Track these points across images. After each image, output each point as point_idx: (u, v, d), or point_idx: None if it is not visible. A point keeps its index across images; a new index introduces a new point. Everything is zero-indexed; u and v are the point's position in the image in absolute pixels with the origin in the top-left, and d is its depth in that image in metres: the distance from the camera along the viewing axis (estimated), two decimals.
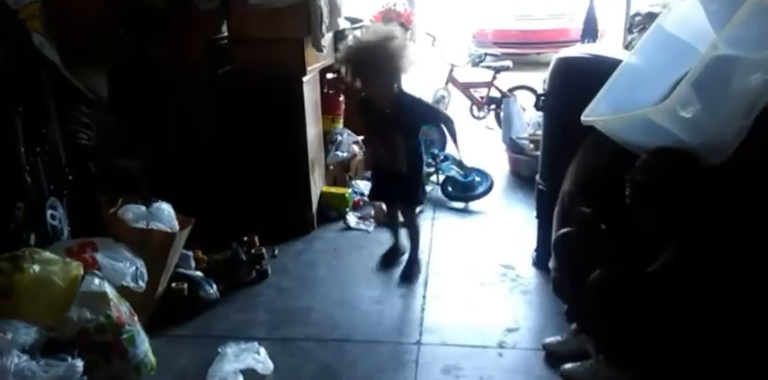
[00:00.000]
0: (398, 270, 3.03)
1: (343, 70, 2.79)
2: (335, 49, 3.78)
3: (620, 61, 2.19)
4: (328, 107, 3.83)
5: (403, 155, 2.80)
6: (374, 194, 3.18)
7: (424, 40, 5.10)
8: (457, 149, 3.05)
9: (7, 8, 2.40)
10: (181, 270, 2.75)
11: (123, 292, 2.23)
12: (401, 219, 3.10)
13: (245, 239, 3.06)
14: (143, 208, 2.58)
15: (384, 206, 3.22)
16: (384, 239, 3.31)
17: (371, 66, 2.63)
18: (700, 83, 1.73)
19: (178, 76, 3.16)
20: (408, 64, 2.66)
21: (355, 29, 4.13)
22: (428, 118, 2.95)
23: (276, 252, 3.20)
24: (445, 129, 2.94)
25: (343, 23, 3.73)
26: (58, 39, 2.53)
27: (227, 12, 3.19)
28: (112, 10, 2.82)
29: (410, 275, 2.97)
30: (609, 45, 4.34)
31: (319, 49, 3.26)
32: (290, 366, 2.32)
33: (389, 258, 3.11)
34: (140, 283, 2.34)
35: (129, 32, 2.94)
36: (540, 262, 2.96)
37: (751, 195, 1.75)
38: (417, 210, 3.23)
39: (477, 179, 3.90)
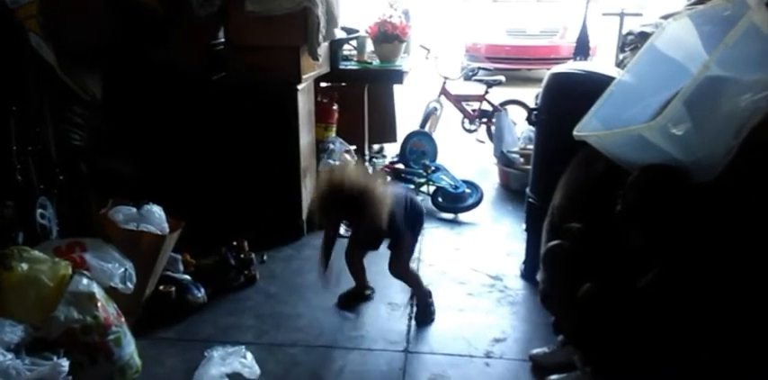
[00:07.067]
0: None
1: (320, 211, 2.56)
2: (331, 58, 3.83)
3: (613, 78, 2.23)
4: (322, 116, 3.86)
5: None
6: (358, 244, 2.78)
7: (418, 52, 5.14)
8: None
9: (5, 8, 2.41)
10: (169, 273, 2.75)
11: (111, 293, 2.23)
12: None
13: (235, 243, 3.06)
14: (133, 209, 2.57)
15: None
16: None
17: (356, 213, 2.37)
18: (691, 102, 1.76)
19: (173, 80, 3.16)
20: (386, 206, 2.36)
21: (351, 39, 4.19)
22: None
23: (265, 258, 3.20)
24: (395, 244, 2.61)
25: (339, 33, 3.76)
26: (54, 39, 2.54)
27: (225, 18, 3.20)
28: (110, 12, 2.83)
29: (426, 319, 2.68)
30: (601, 63, 4.40)
31: (315, 58, 3.28)
32: (276, 371, 2.31)
33: (349, 301, 2.81)
34: (128, 284, 2.33)
35: (125, 36, 2.94)
36: (527, 274, 2.98)
37: (738, 213, 1.78)
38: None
39: (468, 191, 3.94)
